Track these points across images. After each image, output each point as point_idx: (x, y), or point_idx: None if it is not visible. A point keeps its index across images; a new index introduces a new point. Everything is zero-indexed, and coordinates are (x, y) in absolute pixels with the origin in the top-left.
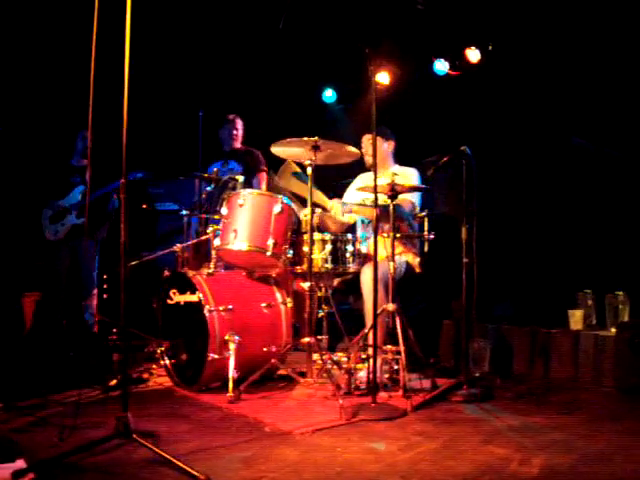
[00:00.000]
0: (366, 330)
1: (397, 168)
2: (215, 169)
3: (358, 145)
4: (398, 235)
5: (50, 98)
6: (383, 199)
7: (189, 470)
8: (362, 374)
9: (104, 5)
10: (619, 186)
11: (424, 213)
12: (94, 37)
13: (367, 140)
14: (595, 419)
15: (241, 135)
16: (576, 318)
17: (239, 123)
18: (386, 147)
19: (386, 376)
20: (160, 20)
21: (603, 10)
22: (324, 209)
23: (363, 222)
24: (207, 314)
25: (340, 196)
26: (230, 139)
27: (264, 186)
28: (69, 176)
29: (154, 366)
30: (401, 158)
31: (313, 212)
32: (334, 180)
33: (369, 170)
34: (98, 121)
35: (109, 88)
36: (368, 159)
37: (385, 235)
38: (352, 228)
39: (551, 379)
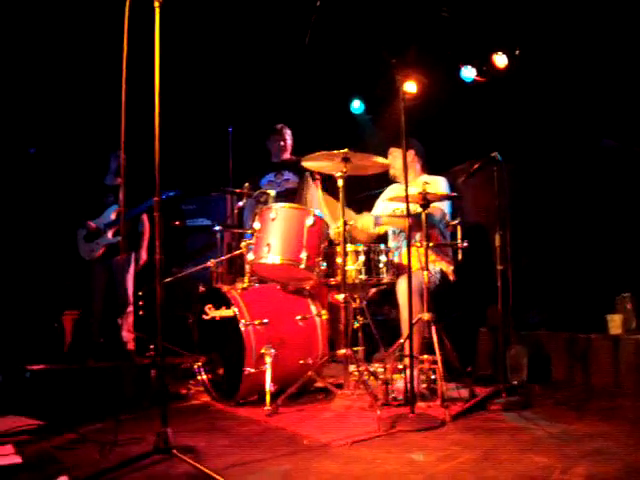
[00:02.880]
0: (402, 340)
1: (425, 177)
2: (269, 181)
3: (387, 156)
4: (431, 244)
5: (83, 119)
6: (414, 208)
7: None
8: (399, 384)
9: (134, 24)
10: None
11: (456, 221)
12: (124, 57)
13: (390, 154)
14: (638, 426)
15: (290, 145)
16: (615, 323)
17: (287, 133)
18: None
19: (423, 386)
20: (189, 38)
21: (628, 12)
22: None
23: (394, 232)
24: (243, 328)
25: (369, 207)
26: (279, 150)
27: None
28: (102, 196)
29: (192, 382)
30: (431, 166)
31: (345, 224)
32: (367, 190)
33: (396, 181)
34: (130, 141)
35: (140, 109)
36: (392, 171)
37: (417, 244)
38: (384, 238)
39: (591, 386)
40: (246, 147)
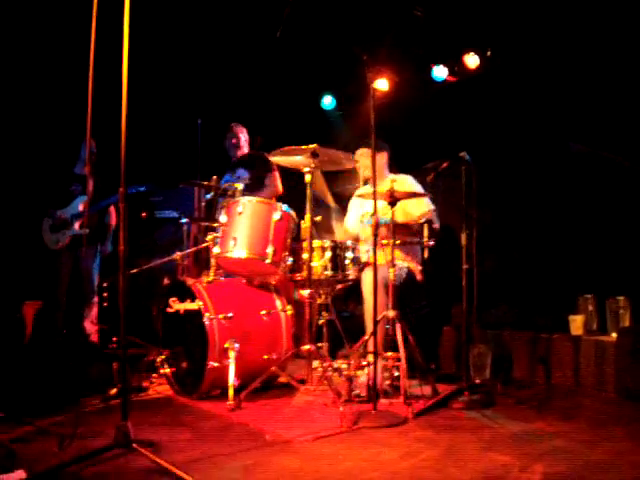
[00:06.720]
0: (366, 337)
1: (392, 176)
2: (227, 181)
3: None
4: (398, 242)
5: (55, 106)
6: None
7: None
8: (362, 381)
9: (103, 13)
10: (619, 191)
11: (423, 220)
12: (92, 44)
13: (359, 155)
14: (597, 425)
15: (245, 141)
16: (577, 323)
17: (240, 130)
18: (378, 159)
19: (387, 383)
20: (158, 30)
21: (601, 15)
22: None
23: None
24: (207, 322)
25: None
26: (233, 148)
27: (279, 184)
28: (70, 185)
29: (154, 375)
30: (400, 164)
31: (313, 219)
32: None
33: (365, 183)
34: (102, 131)
35: (112, 100)
36: (362, 172)
37: (384, 242)
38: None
39: (552, 385)
40: (220, 141)
